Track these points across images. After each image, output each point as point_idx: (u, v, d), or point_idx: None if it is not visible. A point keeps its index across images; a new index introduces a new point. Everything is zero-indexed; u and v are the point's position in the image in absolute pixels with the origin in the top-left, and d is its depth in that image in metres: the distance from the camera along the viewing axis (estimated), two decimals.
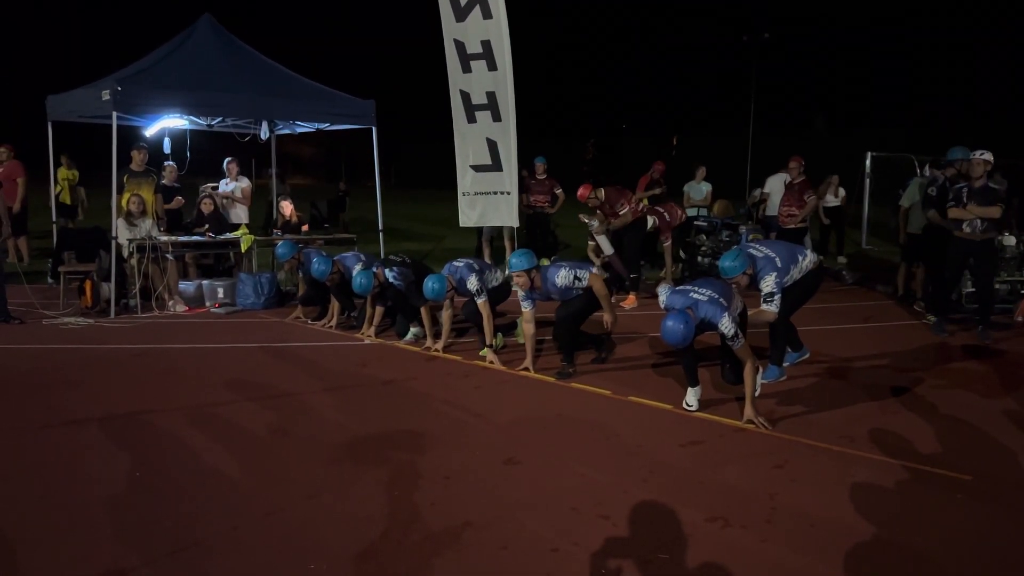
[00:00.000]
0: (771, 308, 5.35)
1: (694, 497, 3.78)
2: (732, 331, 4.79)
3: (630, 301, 9.08)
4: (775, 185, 11.91)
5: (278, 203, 10.61)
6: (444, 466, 4.15)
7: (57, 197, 12.02)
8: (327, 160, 57.56)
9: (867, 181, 15.39)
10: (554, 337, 6.33)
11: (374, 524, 3.45)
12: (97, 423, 4.79)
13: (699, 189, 12.90)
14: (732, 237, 10.74)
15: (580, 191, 9.24)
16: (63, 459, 4.23)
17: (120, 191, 8.80)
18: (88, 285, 8.35)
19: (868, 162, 14.60)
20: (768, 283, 5.33)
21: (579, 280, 5.97)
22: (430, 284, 6.39)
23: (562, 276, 5.96)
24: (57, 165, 11.73)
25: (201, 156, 10.95)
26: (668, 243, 10.31)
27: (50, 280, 9.61)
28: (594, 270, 6.06)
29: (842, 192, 13.22)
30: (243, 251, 9.35)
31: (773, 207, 11.35)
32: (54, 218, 10.81)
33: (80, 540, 3.29)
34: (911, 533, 3.43)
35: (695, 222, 11.99)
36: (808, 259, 5.69)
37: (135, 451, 4.34)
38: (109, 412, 5.00)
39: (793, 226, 9.96)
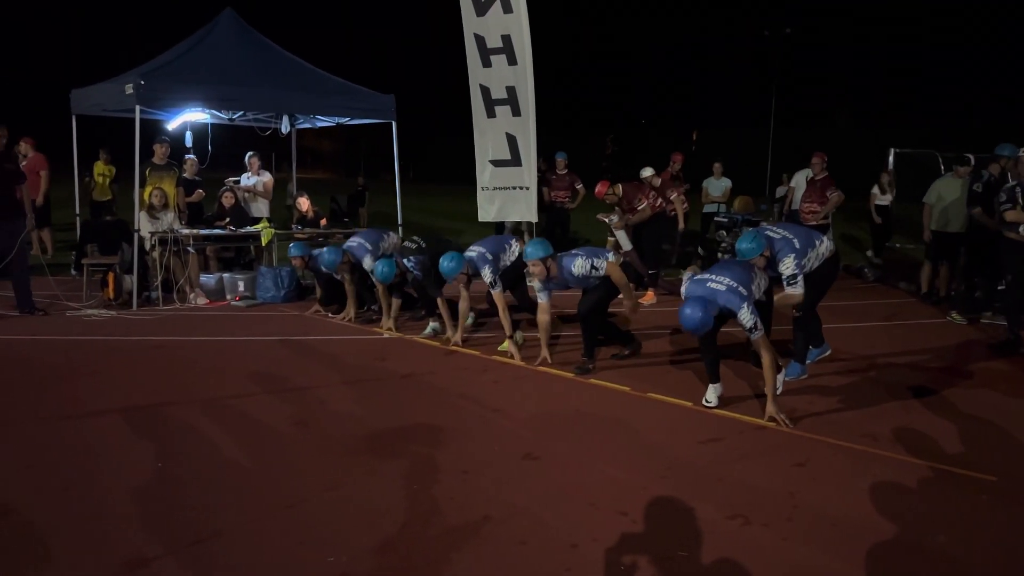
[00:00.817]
0: (796, 290, 5.28)
1: (713, 494, 3.76)
2: (751, 322, 4.75)
3: (648, 297, 9.05)
4: (801, 180, 11.81)
5: (295, 199, 10.65)
6: (462, 460, 4.16)
7: (91, 193, 12.11)
8: (346, 154, 57.78)
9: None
10: (582, 329, 6.23)
11: (393, 517, 3.46)
12: (119, 414, 4.84)
13: (718, 185, 12.83)
14: None
15: (598, 188, 9.22)
16: (87, 449, 4.28)
17: (142, 184, 8.88)
18: (111, 277, 8.43)
19: (891, 158, 14.42)
20: (788, 265, 5.26)
21: (596, 270, 5.95)
22: (444, 262, 6.41)
23: (578, 265, 5.93)
24: (88, 159, 11.80)
25: (222, 150, 11.01)
26: (676, 194, 10.00)
27: (74, 272, 9.72)
28: (611, 258, 6.02)
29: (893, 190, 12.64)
30: (263, 245, 9.41)
31: (798, 202, 11.25)
32: (77, 211, 10.91)
33: (105, 528, 3.32)
34: (934, 534, 3.39)
35: (715, 218, 11.92)
36: (824, 245, 5.61)
37: (156, 442, 4.37)
38: (131, 403, 5.05)
39: (815, 223, 9.86)
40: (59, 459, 4.14)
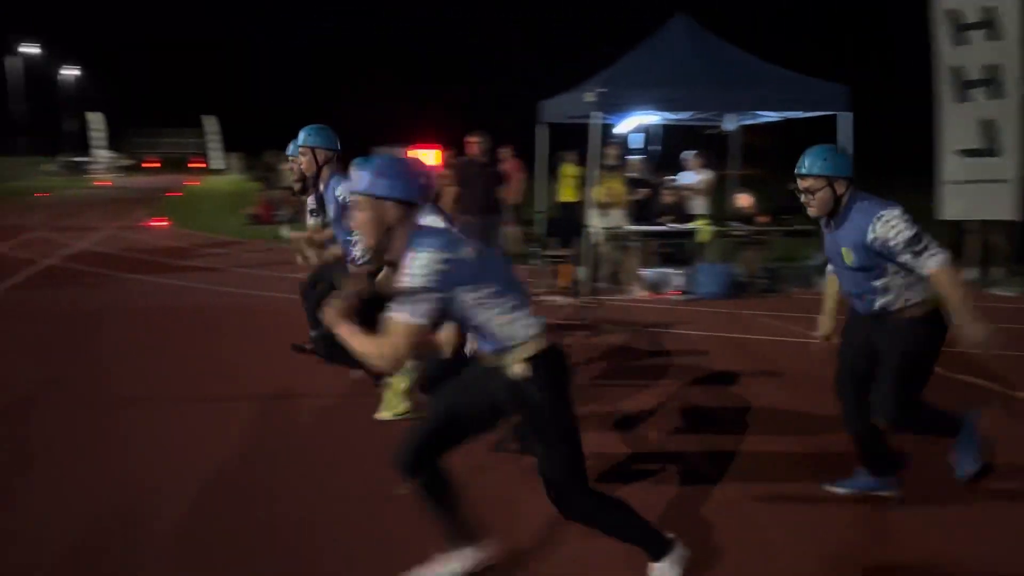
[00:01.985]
0: (936, 258, 3.40)
1: None
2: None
3: None
4: None
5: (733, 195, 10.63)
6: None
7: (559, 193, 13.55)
8: (783, 150, 55.92)
9: None
10: None
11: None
12: None
13: None
14: None
15: None
16: None
17: (597, 184, 9.66)
18: (559, 267, 9.38)
19: None
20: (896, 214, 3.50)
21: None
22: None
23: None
24: (558, 162, 13.18)
25: (665, 149, 11.45)
26: None
27: (538, 261, 11.05)
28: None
29: None
30: (700, 242, 9.58)
31: None
32: (542, 208, 12.24)
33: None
34: None
35: None
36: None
37: None
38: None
39: None
40: None
